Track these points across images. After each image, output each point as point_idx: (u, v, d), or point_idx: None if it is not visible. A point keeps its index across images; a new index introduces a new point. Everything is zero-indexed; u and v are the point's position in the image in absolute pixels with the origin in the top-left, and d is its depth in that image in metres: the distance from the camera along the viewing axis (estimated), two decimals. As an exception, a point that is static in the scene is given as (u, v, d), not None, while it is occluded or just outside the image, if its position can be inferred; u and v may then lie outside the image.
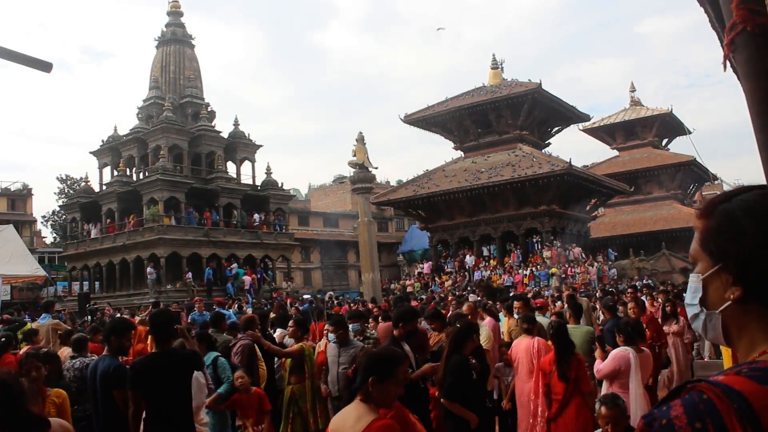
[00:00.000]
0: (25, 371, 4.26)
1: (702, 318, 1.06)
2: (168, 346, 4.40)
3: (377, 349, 3.19)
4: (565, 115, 34.35)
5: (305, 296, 24.66)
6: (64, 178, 47.40)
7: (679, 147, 44.14)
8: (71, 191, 41.36)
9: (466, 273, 28.43)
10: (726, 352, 6.36)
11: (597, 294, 14.77)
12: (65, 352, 7.19)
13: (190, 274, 24.84)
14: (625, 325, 5.48)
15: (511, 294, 17.70)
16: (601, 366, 5.35)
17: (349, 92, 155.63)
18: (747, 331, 1.00)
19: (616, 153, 43.27)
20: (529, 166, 28.68)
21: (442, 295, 19.00)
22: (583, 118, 36.15)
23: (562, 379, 4.91)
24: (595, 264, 27.35)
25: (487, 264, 28.47)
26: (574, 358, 5.09)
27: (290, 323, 6.90)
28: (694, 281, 1.06)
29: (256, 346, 6.48)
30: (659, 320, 8.20)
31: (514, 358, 5.92)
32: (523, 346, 5.87)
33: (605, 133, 43.52)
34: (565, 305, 9.14)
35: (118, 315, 13.89)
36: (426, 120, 33.91)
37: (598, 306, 10.83)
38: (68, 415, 4.44)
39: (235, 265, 26.71)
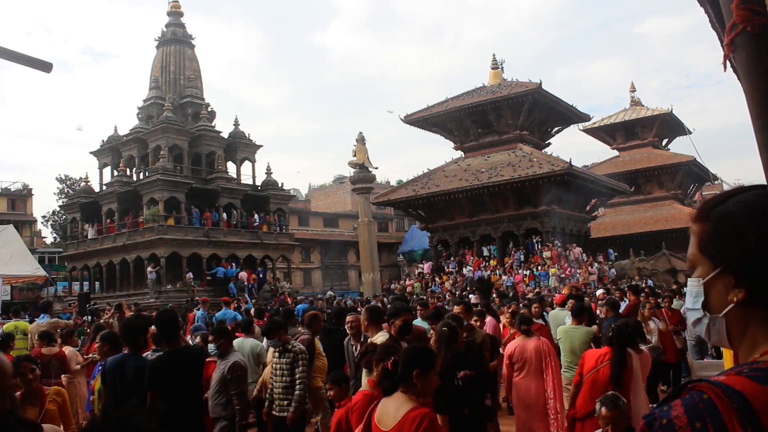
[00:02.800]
0: (20, 374, 4.28)
1: (705, 322, 1.05)
2: (177, 344, 4.45)
3: (416, 345, 3.37)
4: (565, 115, 34.35)
5: (299, 297, 24.60)
6: (64, 178, 47.39)
7: (679, 147, 44.20)
8: (71, 191, 41.34)
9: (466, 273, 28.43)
10: (727, 353, 6.33)
11: (598, 293, 14.72)
12: (66, 350, 7.30)
13: (190, 274, 24.83)
14: (625, 326, 5.46)
15: (511, 295, 17.74)
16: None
17: (349, 92, 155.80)
18: (748, 332, 1.00)
19: (616, 153, 43.27)
20: (529, 166, 28.68)
21: (439, 296, 18.99)
22: (583, 118, 36.16)
23: (616, 384, 4.79)
24: (595, 264, 27.36)
25: (487, 264, 28.49)
26: (629, 362, 4.99)
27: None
28: (695, 285, 1.05)
29: (317, 341, 6.50)
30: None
31: (519, 358, 5.91)
32: (531, 347, 5.89)
33: (605, 133, 43.52)
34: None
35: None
36: (426, 120, 33.91)
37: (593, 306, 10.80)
38: (69, 413, 4.46)
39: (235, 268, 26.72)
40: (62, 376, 6.94)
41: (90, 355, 7.82)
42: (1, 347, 6.91)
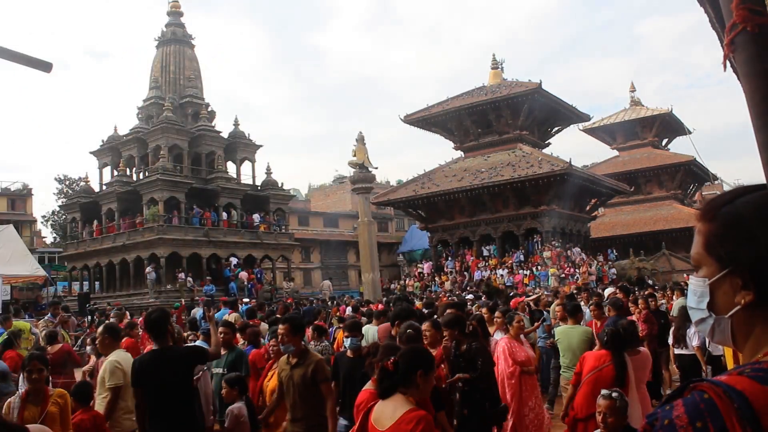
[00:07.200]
0: (28, 371, 4.30)
1: (710, 322, 1.05)
2: (165, 343, 4.47)
3: (414, 345, 3.39)
4: (565, 115, 34.35)
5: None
6: (63, 178, 47.38)
7: (679, 147, 44.21)
8: (70, 191, 41.33)
9: (466, 273, 28.44)
10: (728, 351, 6.34)
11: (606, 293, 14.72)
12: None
13: (183, 275, 24.67)
14: (619, 327, 5.46)
15: (511, 294, 17.75)
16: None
17: (349, 92, 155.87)
18: (754, 333, 1.00)
19: (616, 153, 43.27)
20: (529, 166, 28.68)
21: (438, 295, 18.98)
22: (583, 118, 36.16)
23: (620, 384, 4.78)
24: (594, 264, 27.37)
25: (487, 264, 28.49)
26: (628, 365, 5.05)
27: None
28: (700, 285, 1.05)
29: None
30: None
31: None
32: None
33: (605, 133, 43.52)
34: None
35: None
36: (426, 120, 33.92)
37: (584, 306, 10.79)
38: (69, 416, 4.47)
39: (233, 260, 26.71)
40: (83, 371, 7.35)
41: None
42: (9, 345, 7.03)
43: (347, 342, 5.31)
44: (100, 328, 5.49)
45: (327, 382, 4.57)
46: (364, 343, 5.79)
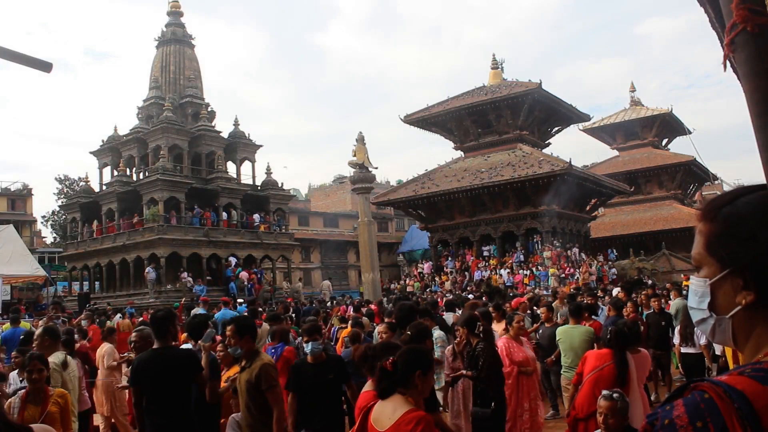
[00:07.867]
0: (28, 371, 4.30)
1: (711, 323, 1.05)
2: (166, 343, 4.47)
3: (412, 345, 3.37)
4: (565, 115, 34.33)
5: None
6: (63, 178, 47.38)
7: (679, 147, 44.21)
8: (70, 191, 41.33)
9: (466, 273, 28.42)
10: (728, 351, 6.34)
11: (598, 293, 14.71)
12: (104, 347, 7.77)
13: (185, 274, 24.68)
14: (622, 326, 5.46)
15: (511, 295, 17.77)
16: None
17: (349, 92, 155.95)
18: (754, 333, 1.00)
19: (616, 153, 43.25)
20: (529, 166, 28.67)
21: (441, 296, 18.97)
22: (583, 118, 36.14)
23: (621, 383, 4.81)
24: (594, 264, 27.36)
25: (487, 264, 28.47)
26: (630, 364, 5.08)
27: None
28: (701, 286, 1.05)
29: None
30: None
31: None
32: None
33: (605, 133, 43.50)
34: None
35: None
36: (426, 120, 33.90)
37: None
38: (69, 417, 4.47)
39: (233, 260, 26.70)
40: (98, 371, 7.56)
41: (126, 353, 7.95)
42: (25, 344, 7.08)
43: (307, 347, 4.83)
44: (39, 330, 5.46)
45: (273, 389, 4.32)
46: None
